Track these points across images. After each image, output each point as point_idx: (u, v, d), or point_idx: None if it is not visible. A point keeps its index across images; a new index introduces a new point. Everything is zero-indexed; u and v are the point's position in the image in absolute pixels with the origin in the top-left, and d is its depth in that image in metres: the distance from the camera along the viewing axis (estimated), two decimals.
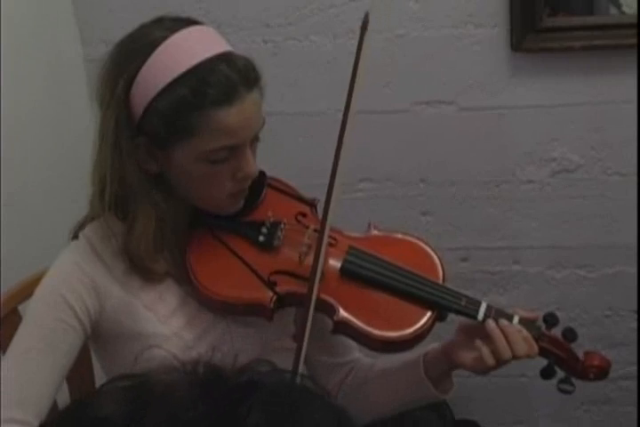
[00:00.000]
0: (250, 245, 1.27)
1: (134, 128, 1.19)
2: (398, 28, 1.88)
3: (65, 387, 1.42)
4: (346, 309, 1.22)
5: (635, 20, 1.78)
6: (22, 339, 1.21)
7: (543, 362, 1.26)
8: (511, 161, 1.96)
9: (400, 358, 1.35)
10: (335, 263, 1.26)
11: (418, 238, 1.33)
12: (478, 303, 1.25)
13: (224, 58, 1.17)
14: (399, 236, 1.34)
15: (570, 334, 1.26)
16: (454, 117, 1.93)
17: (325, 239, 1.21)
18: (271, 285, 1.23)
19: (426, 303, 1.24)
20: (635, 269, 1.97)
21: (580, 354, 1.26)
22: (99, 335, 1.25)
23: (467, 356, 1.25)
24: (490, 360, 1.21)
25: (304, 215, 1.33)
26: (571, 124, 1.91)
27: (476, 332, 1.23)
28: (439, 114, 1.93)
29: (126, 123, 1.18)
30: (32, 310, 1.24)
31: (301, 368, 1.12)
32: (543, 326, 1.25)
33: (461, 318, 1.26)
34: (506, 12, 1.83)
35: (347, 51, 1.91)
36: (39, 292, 1.24)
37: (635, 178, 1.91)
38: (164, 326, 1.24)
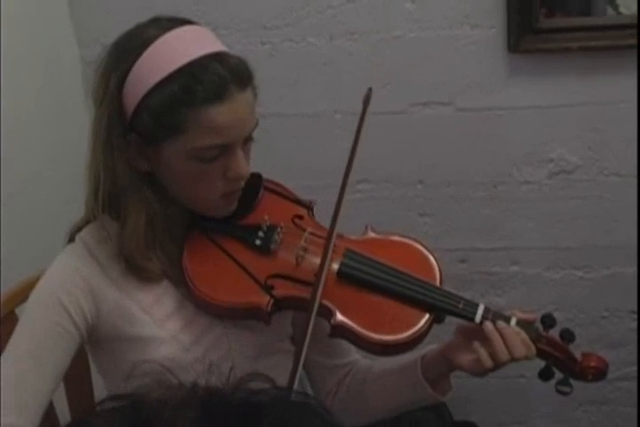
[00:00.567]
0: (246, 249, 1.27)
1: (126, 125, 1.18)
2: (395, 29, 1.88)
3: (63, 391, 1.43)
4: (343, 312, 1.22)
5: (632, 21, 1.78)
6: (18, 343, 1.20)
7: (541, 363, 1.26)
8: (509, 162, 1.96)
9: (398, 360, 1.35)
10: (332, 266, 1.25)
11: (415, 241, 1.33)
12: (475, 306, 1.24)
13: (217, 57, 1.16)
14: (396, 238, 1.34)
15: (567, 336, 1.26)
16: (452, 118, 1.93)
17: (330, 248, 1.21)
18: (268, 288, 1.23)
19: (423, 306, 1.24)
20: (632, 270, 1.97)
21: (578, 355, 1.26)
22: (95, 339, 1.25)
23: (465, 358, 1.24)
24: (488, 362, 1.21)
25: (301, 218, 1.32)
26: (568, 124, 1.91)
27: (474, 334, 1.23)
28: (436, 115, 1.93)
29: (118, 120, 1.18)
30: (28, 314, 1.23)
31: (300, 371, 1.11)
32: (541, 328, 1.25)
33: (460, 320, 1.26)
34: (503, 12, 1.82)
35: (344, 52, 1.92)
36: (35, 295, 1.23)
37: (632, 179, 1.91)
38: (161, 329, 1.24)
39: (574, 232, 1.99)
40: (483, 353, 1.21)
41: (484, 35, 1.86)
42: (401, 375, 1.34)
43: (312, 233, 1.29)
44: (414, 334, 1.22)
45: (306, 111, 1.97)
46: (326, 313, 1.22)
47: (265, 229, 1.28)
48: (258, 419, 0.54)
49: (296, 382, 1.08)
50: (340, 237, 1.30)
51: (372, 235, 1.33)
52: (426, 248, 1.32)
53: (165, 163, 1.20)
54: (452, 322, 1.28)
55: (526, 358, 1.22)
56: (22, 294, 1.35)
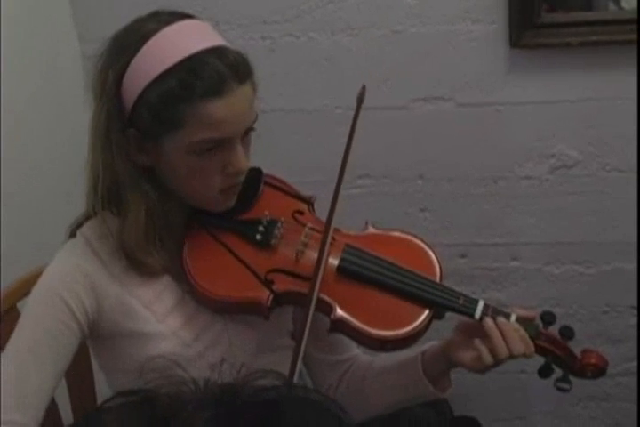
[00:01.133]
0: (247, 244, 1.27)
1: (125, 120, 1.18)
2: (395, 25, 1.88)
3: (64, 387, 1.43)
4: (343, 307, 1.22)
5: (633, 16, 1.78)
6: (19, 339, 1.20)
7: (541, 359, 1.26)
8: (509, 157, 1.95)
9: (398, 357, 1.35)
10: (332, 262, 1.26)
11: (415, 236, 1.33)
12: (475, 302, 1.24)
13: (216, 51, 1.16)
14: (396, 234, 1.34)
15: (567, 333, 1.26)
16: (452, 114, 1.93)
17: (328, 242, 1.21)
18: (268, 283, 1.23)
19: (423, 302, 1.24)
20: (633, 266, 1.97)
21: (578, 352, 1.26)
22: (97, 335, 1.25)
23: (465, 355, 1.25)
24: (488, 359, 1.21)
25: (301, 213, 1.32)
26: (569, 120, 1.90)
27: (475, 330, 1.23)
28: (437, 110, 1.93)
29: (117, 115, 1.18)
30: (29, 310, 1.23)
31: (300, 366, 1.11)
32: (540, 325, 1.25)
33: (460, 316, 1.26)
34: (503, 7, 1.82)
35: (344, 47, 1.91)
36: (36, 291, 1.23)
37: (633, 174, 1.91)
38: (162, 325, 1.24)
39: (575, 228, 1.98)
40: (483, 350, 1.21)
41: (485, 30, 1.86)
42: (401, 373, 1.34)
43: (312, 228, 1.29)
44: (413, 329, 1.22)
45: (306, 107, 1.96)
46: (326, 308, 1.22)
47: (265, 223, 1.28)
48: (276, 417, 0.54)
49: (296, 376, 1.08)
50: (340, 232, 1.30)
51: (372, 230, 1.33)
52: (426, 244, 1.32)
53: (164, 158, 1.20)
54: (453, 318, 1.28)
55: (524, 355, 1.22)
56: (23, 289, 1.35)
